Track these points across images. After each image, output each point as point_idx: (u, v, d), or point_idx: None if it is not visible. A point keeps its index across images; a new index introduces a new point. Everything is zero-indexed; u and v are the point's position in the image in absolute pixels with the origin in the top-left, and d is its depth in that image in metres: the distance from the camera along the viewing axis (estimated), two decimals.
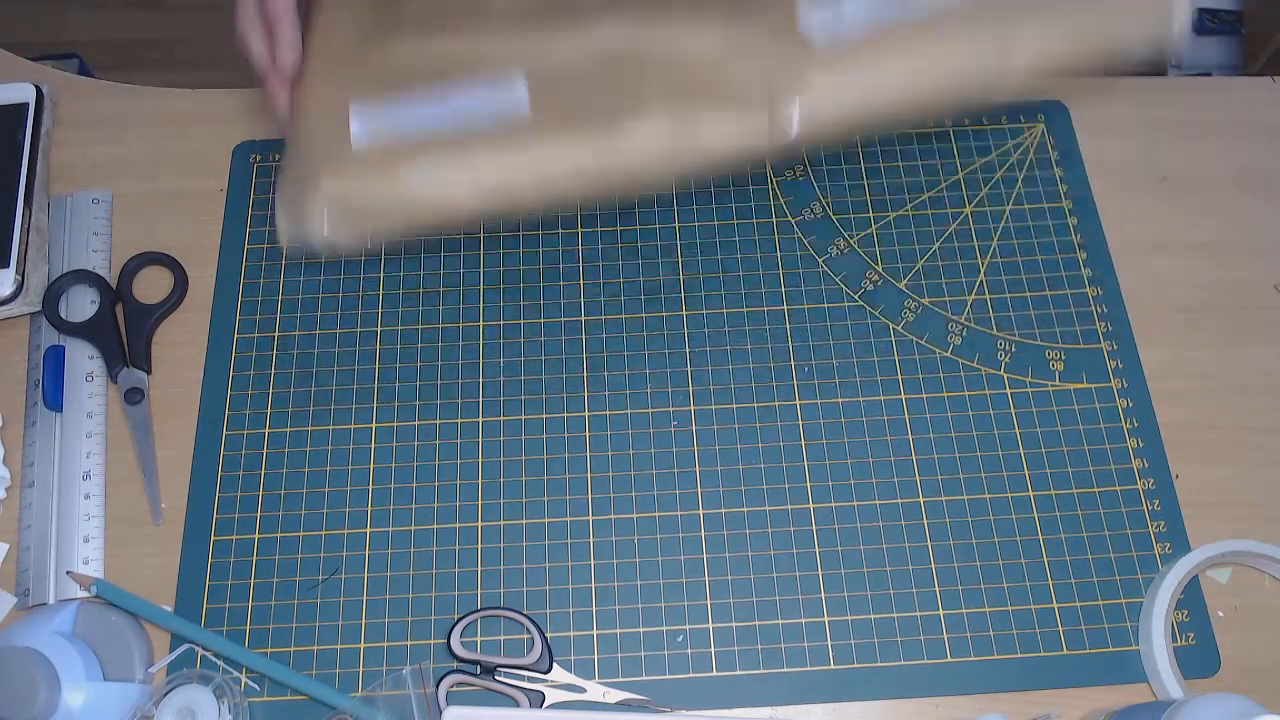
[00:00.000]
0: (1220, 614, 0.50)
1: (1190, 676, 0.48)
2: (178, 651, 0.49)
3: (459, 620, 0.49)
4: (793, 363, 0.56)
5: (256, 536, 0.52)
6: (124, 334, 0.57)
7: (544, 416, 0.55)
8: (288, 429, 0.54)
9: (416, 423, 0.55)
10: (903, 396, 0.55)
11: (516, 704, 0.48)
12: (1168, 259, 0.59)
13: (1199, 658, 0.49)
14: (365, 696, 0.48)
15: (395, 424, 0.54)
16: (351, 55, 0.52)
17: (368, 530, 0.52)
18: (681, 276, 0.58)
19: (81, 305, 0.57)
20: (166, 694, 0.46)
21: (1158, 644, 0.48)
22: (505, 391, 0.55)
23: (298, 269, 0.59)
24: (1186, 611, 0.50)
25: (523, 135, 0.48)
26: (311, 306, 0.58)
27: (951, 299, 0.57)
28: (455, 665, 0.49)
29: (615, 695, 0.48)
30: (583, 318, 0.57)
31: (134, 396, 0.55)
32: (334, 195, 0.48)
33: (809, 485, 0.53)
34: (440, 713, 0.47)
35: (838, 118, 0.48)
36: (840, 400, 0.55)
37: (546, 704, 0.48)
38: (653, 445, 0.54)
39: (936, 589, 0.51)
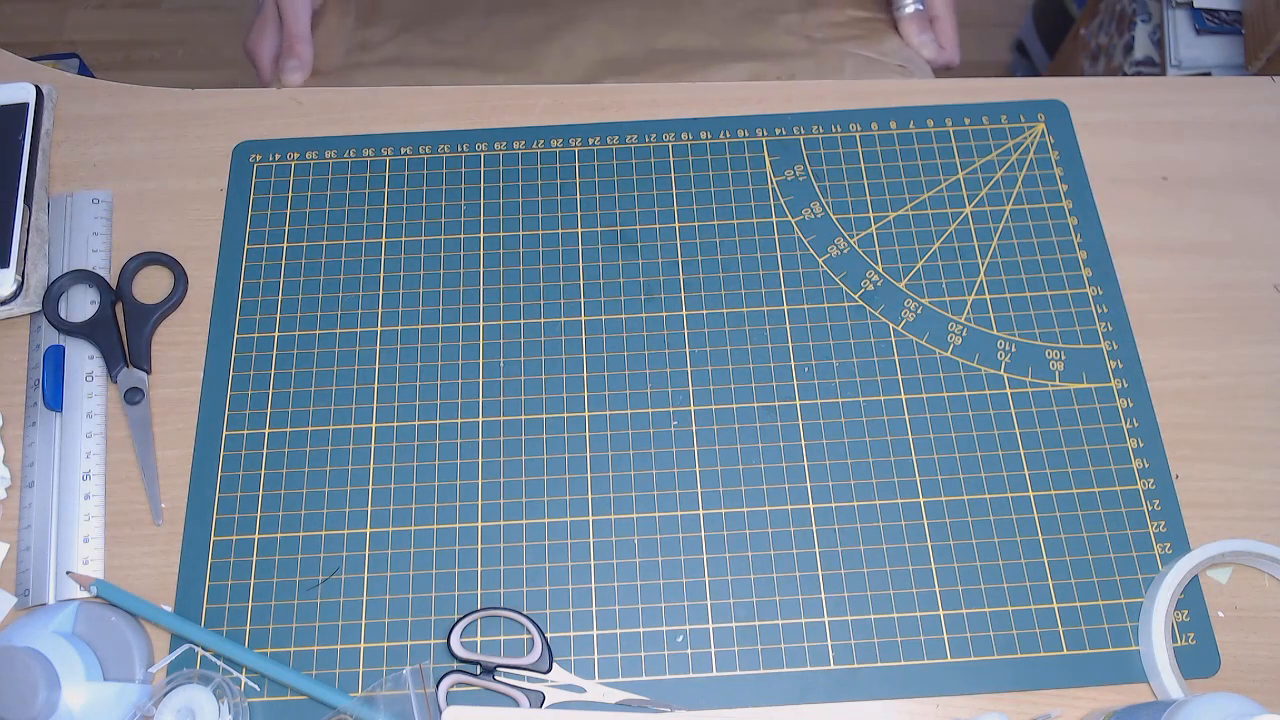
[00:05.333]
0: (1220, 614, 0.50)
1: (1190, 676, 0.48)
2: (178, 651, 0.49)
3: (459, 620, 0.50)
4: (793, 363, 0.56)
5: (256, 536, 0.52)
6: (124, 334, 0.57)
7: (544, 416, 0.55)
8: (288, 429, 0.54)
9: (416, 423, 0.55)
10: (903, 396, 0.55)
11: (516, 704, 0.48)
12: (1168, 259, 0.59)
13: (1199, 658, 0.49)
14: (365, 696, 0.48)
15: (395, 424, 0.55)
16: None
17: (368, 530, 0.52)
18: (681, 276, 0.58)
19: (81, 305, 0.57)
20: (166, 694, 0.46)
21: (1158, 644, 0.48)
22: (505, 391, 0.55)
23: (298, 269, 0.59)
24: (1186, 611, 0.50)
25: None
26: (311, 306, 0.58)
27: (951, 299, 0.57)
28: (455, 665, 0.49)
29: (615, 695, 0.48)
30: (583, 318, 0.57)
31: (134, 396, 0.55)
32: None
33: (809, 485, 0.53)
34: (440, 713, 0.47)
35: None
36: (840, 400, 0.55)
37: (546, 704, 0.48)
38: (653, 445, 0.54)
39: (936, 589, 0.51)
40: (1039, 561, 0.51)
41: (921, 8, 0.78)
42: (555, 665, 0.49)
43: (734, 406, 0.55)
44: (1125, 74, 1.22)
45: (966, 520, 0.52)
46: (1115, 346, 0.56)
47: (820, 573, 0.51)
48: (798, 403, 0.55)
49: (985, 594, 0.50)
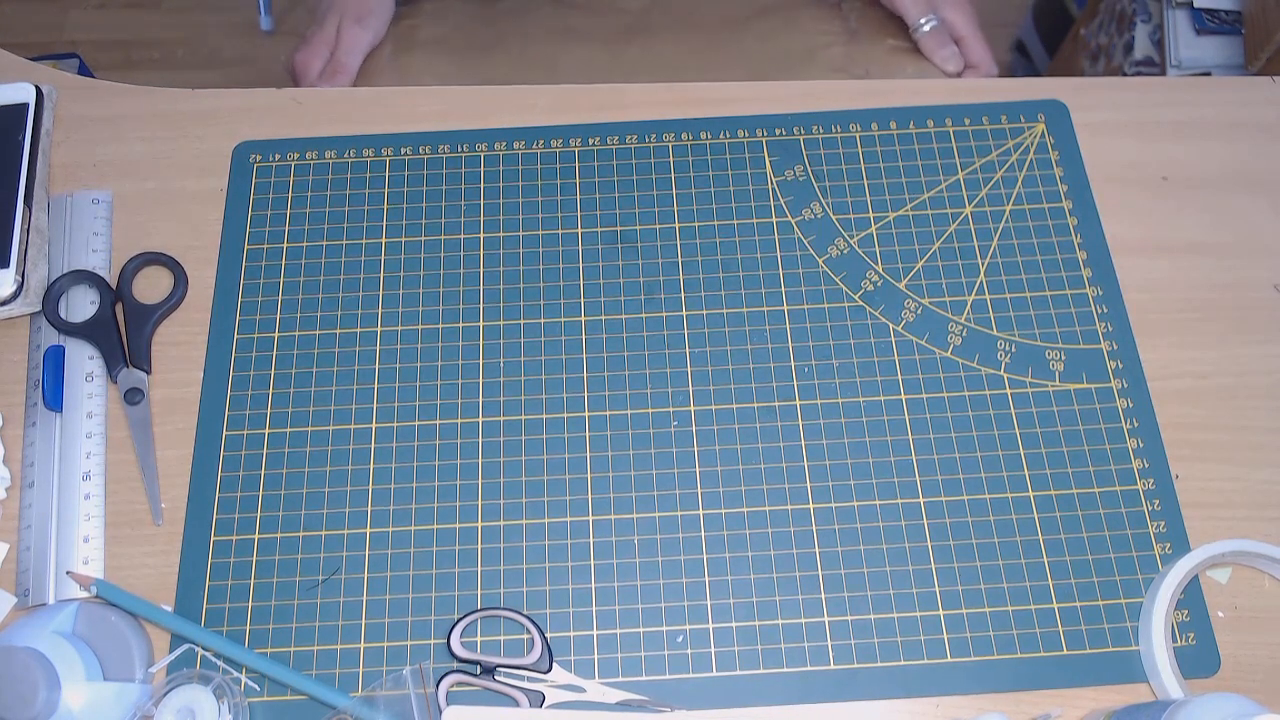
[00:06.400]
0: (1220, 614, 0.50)
1: (1190, 676, 0.48)
2: (178, 651, 0.49)
3: (459, 620, 0.50)
4: (793, 363, 0.56)
5: (256, 536, 0.52)
6: (124, 334, 0.57)
7: (544, 416, 0.55)
8: (288, 429, 0.54)
9: (416, 423, 0.55)
10: (903, 396, 0.55)
11: (516, 704, 0.48)
12: (1168, 259, 0.59)
13: (1199, 658, 0.49)
14: (365, 696, 0.48)
15: (395, 424, 0.54)
16: None
17: (368, 530, 0.52)
18: (681, 276, 0.58)
19: (81, 305, 0.57)
20: (166, 694, 0.46)
21: (1158, 644, 0.48)
22: (505, 391, 0.55)
23: (298, 269, 0.59)
24: (1186, 611, 0.50)
25: None
26: (311, 306, 0.58)
27: (951, 299, 0.57)
28: (455, 665, 0.49)
29: (615, 695, 0.48)
30: (583, 318, 0.57)
31: (134, 396, 0.55)
32: None
33: (809, 485, 0.53)
34: (440, 713, 0.47)
35: None
36: (840, 400, 0.55)
37: (546, 704, 0.48)
38: (653, 445, 0.54)
39: (936, 589, 0.51)
40: (1039, 561, 0.51)
41: (937, 22, 0.78)
42: (555, 665, 0.49)
43: (734, 406, 0.55)
44: (1125, 74, 1.22)
45: (966, 520, 0.52)
46: (1115, 346, 0.56)
47: (820, 573, 0.51)
48: (798, 403, 0.55)
49: (985, 594, 0.50)
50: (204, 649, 0.49)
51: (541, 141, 0.62)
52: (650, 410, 0.55)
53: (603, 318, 0.57)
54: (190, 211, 0.61)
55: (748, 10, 0.82)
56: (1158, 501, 0.52)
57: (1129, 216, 0.60)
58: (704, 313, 0.57)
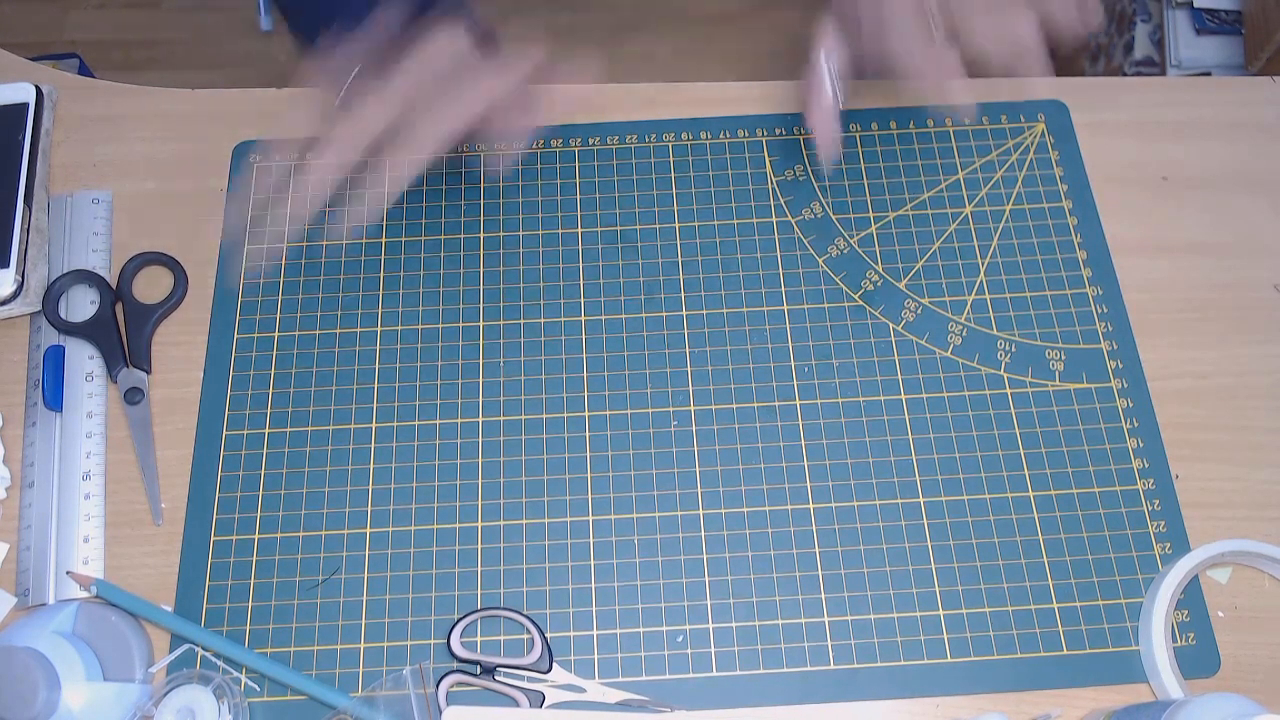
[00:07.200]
0: (1220, 614, 0.50)
1: (1190, 676, 0.48)
2: (178, 651, 0.49)
3: (459, 620, 0.50)
4: (793, 363, 0.56)
5: (256, 536, 0.52)
6: (124, 334, 0.57)
7: (544, 416, 0.55)
8: (288, 429, 0.54)
9: (416, 423, 0.55)
10: (903, 396, 0.55)
11: (516, 704, 0.48)
12: (1168, 259, 0.59)
13: (1199, 658, 0.49)
14: (365, 696, 0.48)
15: (395, 424, 0.54)
16: None
17: (368, 530, 0.52)
18: (681, 276, 0.58)
19: (81, 305, 0.57)
20: (166, 694, 0.46)
21: (1158, 644, 0.48)
22: (505, 391, 0.55)
23: (297, 269, 0.59)
24: (1186, 611, 0.50)
25: None
26: (311, 306, 0.58)
27: (951, 299, 0.57)
28: (455, 665, 0.49)
29: (615, 695, 0.48)
30: (583, 318, 0.57)
31: (134, 396, 0.55)
32: None
33: (809, 485, 0.53)
34: (440, 713, 0.47)
35: None
36: (840, 400, 0.55)
37: (546, 704, 0.48)
38: (653, 445, 0.54)
39: (936, 589, 0.51)
40: (1039, 561, 0.51)
41: None
42: (555, 665, 0.49)
43: (734, 406, 0.55)
44: (1125, 74, 1.22)
45: (966, 520, 0.52)
46: (1115, 346, 0.56)
47: (820, 573, 0.51)
48: (798, 403, 0.55)
49: (985, 594, 0.50)
50: (204, 649, 0.49)
51: (541, 141, 0.62)
52: (650, 410, 0.55)
53: (603, 318, 0.57)
54: (190, 211, 0.61)
55: (740, 7, 0.83)
56: (1158, 501, 0.52)
57: (1129, 216, 0.60)
58: (704, 313, 0.57)
